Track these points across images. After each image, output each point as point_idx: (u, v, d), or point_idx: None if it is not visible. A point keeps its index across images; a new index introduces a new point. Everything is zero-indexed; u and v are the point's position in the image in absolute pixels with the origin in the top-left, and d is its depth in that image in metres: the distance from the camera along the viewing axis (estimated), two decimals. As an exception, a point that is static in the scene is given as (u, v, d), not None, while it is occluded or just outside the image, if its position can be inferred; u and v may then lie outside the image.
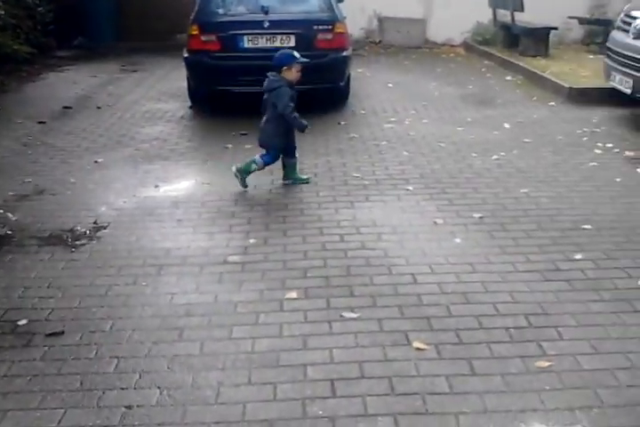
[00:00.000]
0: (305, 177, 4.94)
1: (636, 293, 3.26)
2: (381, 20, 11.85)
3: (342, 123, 6.62)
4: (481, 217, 4.21)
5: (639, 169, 5.08)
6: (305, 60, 4.73)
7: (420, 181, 4.87)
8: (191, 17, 6.75)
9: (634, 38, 6.15)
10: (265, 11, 6.54)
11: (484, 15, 11.25)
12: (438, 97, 7.74)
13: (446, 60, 10.37)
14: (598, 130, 6.18)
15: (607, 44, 6.83)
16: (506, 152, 5.55)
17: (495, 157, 5.43)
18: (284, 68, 4.66)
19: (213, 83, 6.75)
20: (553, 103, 7.24)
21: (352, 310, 3.14)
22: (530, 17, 9.87)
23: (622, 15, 6.73)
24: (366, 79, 8.93)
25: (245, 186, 4.77)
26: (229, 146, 5.89)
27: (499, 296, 3.23)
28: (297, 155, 4.93)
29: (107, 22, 11.93)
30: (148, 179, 5.07)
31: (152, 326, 3.05)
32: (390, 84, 8.48)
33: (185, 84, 7.38)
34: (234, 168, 4.82)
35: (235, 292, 3.34)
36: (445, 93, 7.91)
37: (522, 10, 9.66)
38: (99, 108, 7.42)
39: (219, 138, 6.15)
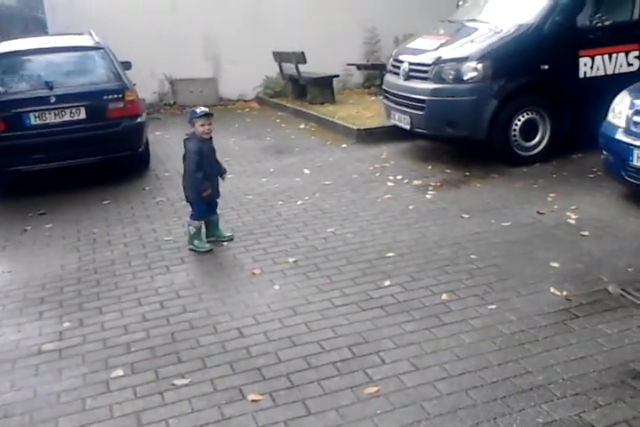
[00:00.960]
0: (228, 234, 4.88)
1: (441, 307, 3.56)
2: (173, 82, 12.01)
3: (147, 188, 6.57)
4: (295, 261, 4.37)
5: (427, 195, 5.59)
6: (205, 111, 4.65)
7: (234, 235, 4.94)
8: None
9: (404, 80, 6.83)
10: (49, 86, 6.38)
11: (272, 69, 11.85)
12: (239, 151, 7.96)
13: (242, 115, 10.72)
14: (388, 164, 6.71)
15: (383, 86, 7.50)
16: (309, 196, 5.84)
17: (300, 202, 5.69)
18: (190, 125, 4.66)
19: (2, 165, 6.38)
20: (345, 145, 7.76)
21: (182, 376, 3.09)
22: (313, 67, 10.57)
23: (391, 60, 7.44)
24: (165, 141, 8.94)
25: (208, 249, 4.67)
26: (28, 228, 5.57)
27: (322, 333, 3.36)
28: (217, 211, 4.89)
29: None
30: (-60, 277, 4.64)
31: (-36, 438, 2.78)
32: (191, 145, 8.56)
33: (-31, 169, 6.92)
34: (187, 248, 4.72)
35: (55, 382, 3.14)
36: (246, 147, 8.16)
37: (304, 62, 10.32)
38: None
39: (15, 221, 5.79)
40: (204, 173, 4.64)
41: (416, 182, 6.00)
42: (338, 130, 8.46)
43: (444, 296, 3.66)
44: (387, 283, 3.89)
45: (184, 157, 4.71)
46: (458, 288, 3.75)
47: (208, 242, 4.79)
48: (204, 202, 4.73)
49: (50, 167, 6.55)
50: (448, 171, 6.29)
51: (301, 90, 10.96)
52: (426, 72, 6.54)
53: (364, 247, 4.51)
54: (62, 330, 3.67)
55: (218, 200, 4.92)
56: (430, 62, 6.53)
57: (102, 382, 3.10)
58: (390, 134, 7.60)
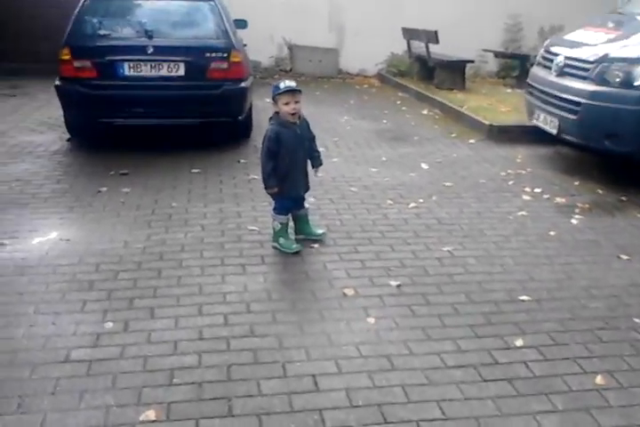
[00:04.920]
0: (320, 232, 4.06)
1: (594, 396, 2.56)
2: (292, 48, 11.25)
3: (242, 161, 5.82)
4: (399, 285, 3.47)
5: (573, 220, 4.52)
6: (290, 86, 3.67)
7: (328, 236, 4.10)
8: (63, 38, 5.80)
9: (557, 76, 5.70)
10: (149, 35, 5.70)
11: (399, 46, 10.88)
12: (351, 132, 7.08)
13: (360, 92, 9.81)
14: (524, 172, 5.64)
15: (528, 80, 6.38)
16: (424, 198, 4.90)
17: (413, 204, 4.76)
18: (272, 103, 3.77)
19: (91, 115, 5.82)
20: (473, 141, 6.71)
21: (229, 437, 2.29)
22: (444, 49, 9.50)
23: (542, 51, 6.32)
24: (273, 110, 8.18)
25: (295, 250, 3.83)
26: (104, 189, 4.96)
27: (424, 409, 2.45)
28: (306, 205, 4.07)
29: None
30: (-7, 234, 4.08)
31: None
32: (299, 117, 7.77)
33: (67, 112, 6.41)
34: (271, 244, 3.95)
35: (70, 411, 2.42)
36: (358, 128, 7.27)
37: (436, 42, 9.24)
38: (-43, 140, 6.32)
39: (94, 178, 5.21)
40: (278, 166, 3.79)
41: (559, 200, 4.92)
42: (465, 122, 7.40)
43: (599, 379, 2.66)
44: (518, 342, 2.92)
45: (263, 141, 3.87)
46: (618, 369, 2.74)
47: (297, 240, 3.97)
48: (283, 197, 3.91)
49: (141, 124, 5.95)
50: (599, 191, 5.15)
51: (428, 72, 9.91)
52: (586, 70, 5.38)
53: (490, 281, 3.54)
54: (101, 333, 2.95)
55: (305, 194, 4.08)
56: (593, 59, 5.36)
57: (127, 425, 2.35)
58: (528, 135, 6.50)
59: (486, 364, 2.75)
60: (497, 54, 10.64)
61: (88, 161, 5.75)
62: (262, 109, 7.93)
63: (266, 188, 3.87)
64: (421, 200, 4.85)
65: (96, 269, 3.63)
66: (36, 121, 7.28)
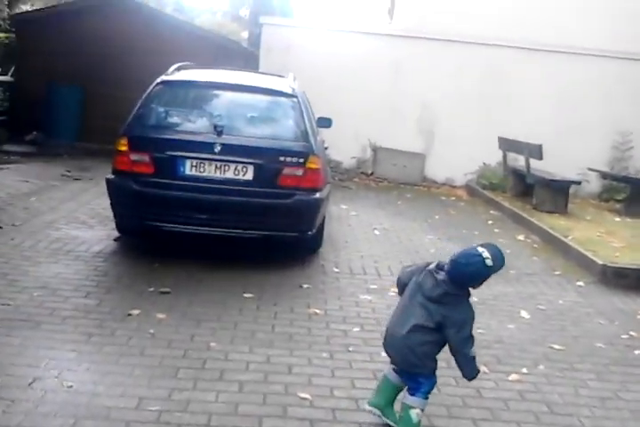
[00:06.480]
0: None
1: None
2: (376, 150, 10.64)
3: (304, 286, 4.93)
4: None
5: None
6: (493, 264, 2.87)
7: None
8: (122, 127, 5.18)
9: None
10: (218, 131, 5.00)
11: (493, 157, 10.09)
12: (435, 256, 6.06)
13: (446, 204, 8.92)
14: (652, 337, 4.49)
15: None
16: (528, 367, 3.81)
17: (514, 376, 3.68)
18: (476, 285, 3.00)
19: (141, 216, 5.07)
20: (581, 283, 5.61)
21: None
22: (541, 164, 8.60)
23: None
24: (349, 220, 7.40)
25: None
26: (135, 312, 4.12)
27: None
28: None
29: (69, 119, 10.79)
30: (-18, 368, 3.25)
31: None
32: (377, 231, 6.91)
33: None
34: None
35: None
36: (445, 251, 6.26)
37: (540, 157, 8.36)
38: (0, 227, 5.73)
39: (128, 295, 4.42)
40: None
41: None
42: (571, 256, 6.32)
43: None
44: None
45: (437, 320, 2.89)
46: None
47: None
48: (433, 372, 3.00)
49: (194, 231, 5.14)
50: None
51: (525, 189, 9.01)
52: None
53: None
54: None
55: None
56: None
57: None
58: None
59: None
60: (605, 176, 9.63)
61: (129, 270, 4.98)
62: (336, 219, 7.20)
63: (475, 376, 2.98)
64: (525, 370, 3.76)
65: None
66: (90, 212, 6.68)
